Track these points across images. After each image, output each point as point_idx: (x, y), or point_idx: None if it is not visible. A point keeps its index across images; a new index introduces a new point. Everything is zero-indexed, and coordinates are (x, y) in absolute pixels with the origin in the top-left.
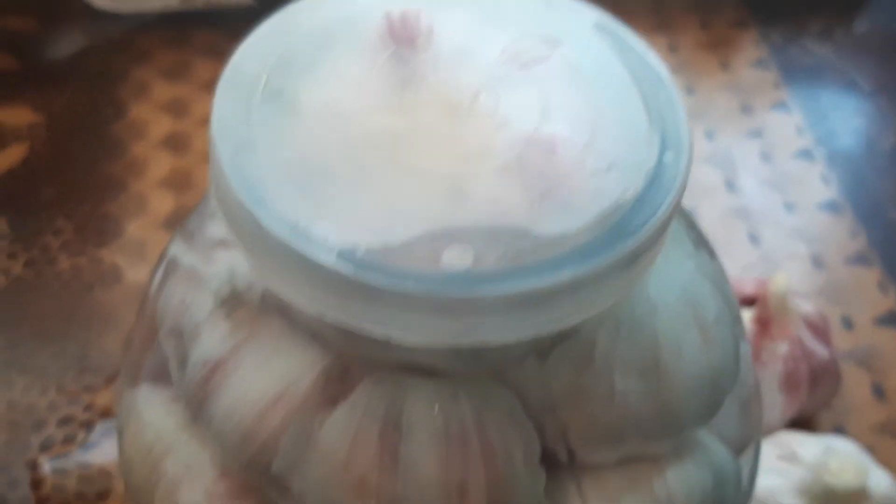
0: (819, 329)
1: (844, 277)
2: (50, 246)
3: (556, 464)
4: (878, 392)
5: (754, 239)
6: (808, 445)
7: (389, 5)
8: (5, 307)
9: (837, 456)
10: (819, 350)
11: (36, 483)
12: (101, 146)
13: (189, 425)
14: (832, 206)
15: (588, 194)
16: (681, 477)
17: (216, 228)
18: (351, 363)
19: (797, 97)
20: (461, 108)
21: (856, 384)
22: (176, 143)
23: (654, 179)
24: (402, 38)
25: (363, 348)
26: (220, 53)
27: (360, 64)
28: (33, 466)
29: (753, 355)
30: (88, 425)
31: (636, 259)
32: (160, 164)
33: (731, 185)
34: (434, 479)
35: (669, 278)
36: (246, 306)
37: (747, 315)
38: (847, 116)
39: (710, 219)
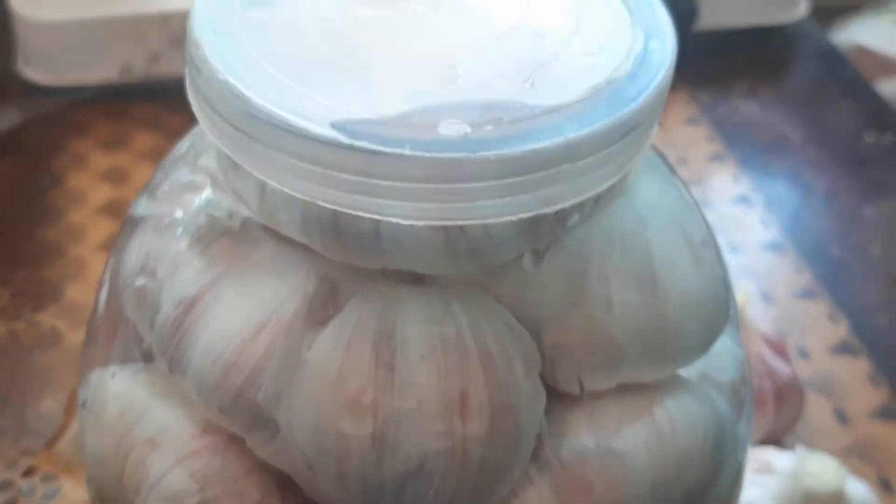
0: (778, 347)
1: (795, 310)
2: None
3: (554, 392)
4: (841, 417)
5: None
6: (781, 458)
7: None
8: None
9: (815, 460)
10: (781, 367)
11: None
12: (37, 214)
13: (160, 392)
14: (775, 246)
15: (580, 72)
16: (682, 408)
17: (184, 174)
18: (339, 283)
19: (731, 149)
20: (444, 0)
21: (818, 409)
22: (115, 210)
23: (643, 62)
24: None
25: (352, 253)
26: (159, 125)
27: None
28: None
29: None
30: (28, 489)
31: (632, 132)
32: (99, 230)
33: None
34: (433, 390)
35: (656, 199)
36: (222, 240)
37: None
38: (780, 165)
39: None
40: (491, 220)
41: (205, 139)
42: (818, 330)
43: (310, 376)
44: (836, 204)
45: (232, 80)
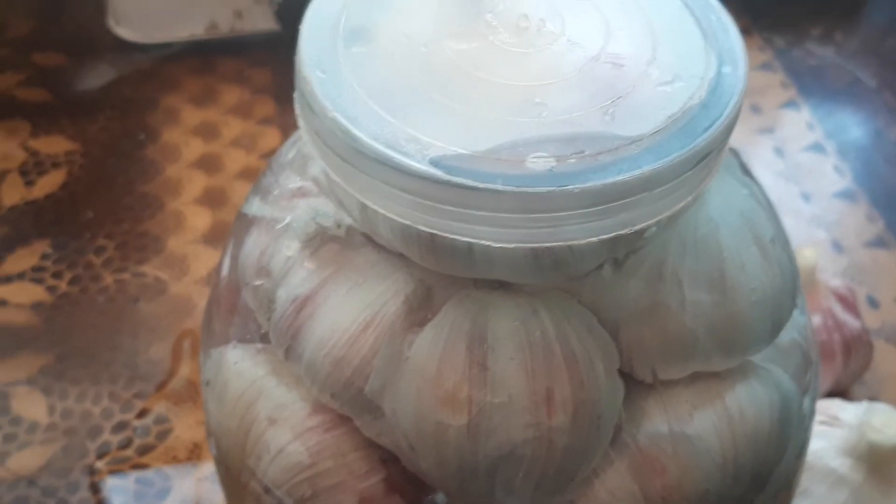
0: (848, 301)
1: (865, 259)
2: (93, 264)
3: (631, 381)
4: None
5: None
6: (847, 410)
7: None
8: (53, 322)
9: (880, 413)
10: (850, 321)
11: (95, 487)
12: (136, 169)
13: (277, 371)
14: (847, 195)
15: (656, 102)
16: (749, 392)
17: (293, 179)
18: (434, 287)
19: (804, 95)
20: (530, 31)
21: (887, 358)
22: (208, 164)
23: (716, 88)
24: None
25: (447, 264)
26: (246, 79)
27: (430, 1)
28: (91, 471)
29: None
30: (143, 430)
31: (706, 158)
32: (194, 184)
33: None
34: (521, 387)
35: (727, 201)
36: (330, 244)
37: None
38: (854, 111)
39: None
40: (574, 242)
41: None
42: (889, 279)
43: (411, 372)
44: None
45: (340, 118)
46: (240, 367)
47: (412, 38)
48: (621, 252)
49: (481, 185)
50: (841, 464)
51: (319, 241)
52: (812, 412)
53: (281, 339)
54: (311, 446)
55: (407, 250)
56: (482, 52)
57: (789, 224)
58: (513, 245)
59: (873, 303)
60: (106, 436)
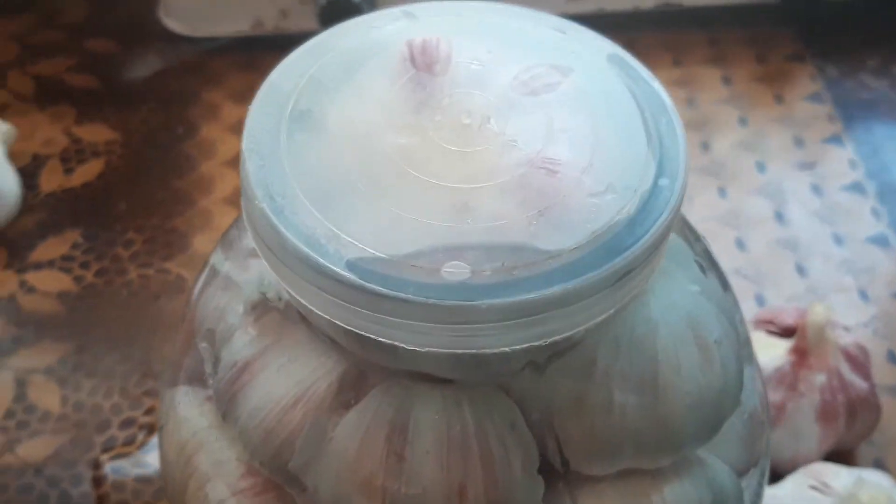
0: (858, 361)
1: (892, 311)
2: (120, 257)
3: (555, 475)
4: None
5: (802, 270)
6: (840, 477)
7: (413, 33)
8: (77, 313)
9: (868, 487)
10: (857, 382)
11: (97, 481)
12: (172, 163)
13: (219, 424)
14: (881, 240)
15: (584, 214)
16: (678, 493)
17: (250, 239)
18: (366, 370)
19: (851, 131)
20: (472, 129)
21: None
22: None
23: (648, 202)
24: (422, 64)
25: (374, 355)
26: None
27: (381, 86)
28: (95, 465)
29: (790, 385)
30: (149, 428)
31: (626, 276)
32: (226, 182)
33: (780, 217)
34: (436, 480)
35: (672, 300)
36: (272, 313)
37: (786, 345)
38: None
39: (758, 249)
40: (487, 350)
41: None
42: None
43: (333, 453)
44: None
45: (267, 209)
46: (186, 414)
47: (357, 128)
48: (542, 357)
49: (392, 294)
50: None
51: (262, 309)
52: (761, 486)
53: (220, 401)
54: None
55: (335, 337)
56: (420, 148)
57: (817, 268)
58: (426, 350)
59: (893, 358)
60: (113, 431)
